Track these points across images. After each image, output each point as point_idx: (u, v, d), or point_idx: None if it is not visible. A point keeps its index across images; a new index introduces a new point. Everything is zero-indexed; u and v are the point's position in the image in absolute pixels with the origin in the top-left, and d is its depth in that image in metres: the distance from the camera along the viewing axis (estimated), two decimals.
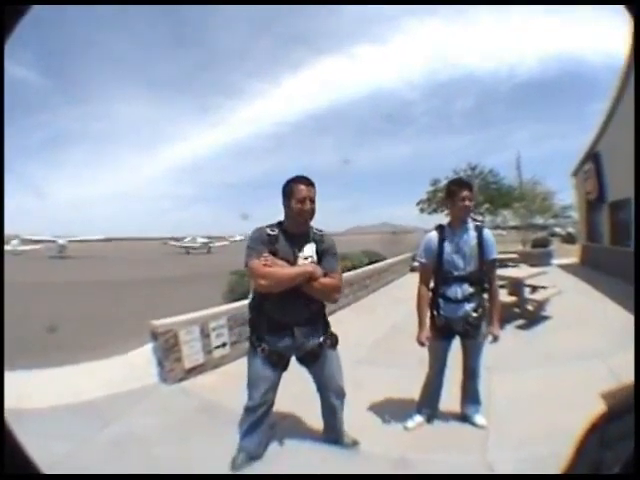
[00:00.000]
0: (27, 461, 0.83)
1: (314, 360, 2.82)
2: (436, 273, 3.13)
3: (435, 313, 3.14)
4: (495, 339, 3.15)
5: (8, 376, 3.59)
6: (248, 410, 2.82)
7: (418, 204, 24.43)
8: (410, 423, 3.34)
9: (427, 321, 3.13)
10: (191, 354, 4.43)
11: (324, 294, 2.70)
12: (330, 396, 2.94)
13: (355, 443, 3.05)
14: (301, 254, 2.65)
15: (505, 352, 4.88)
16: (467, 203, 3.03)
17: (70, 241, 46.11)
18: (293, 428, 3.31)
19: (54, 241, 43.96)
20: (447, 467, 2.76)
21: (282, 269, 2.55)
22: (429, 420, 3.38)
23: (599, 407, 2.86)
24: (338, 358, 2.92)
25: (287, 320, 2.66)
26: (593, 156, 13.30)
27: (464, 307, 3.06)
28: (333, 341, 2.86)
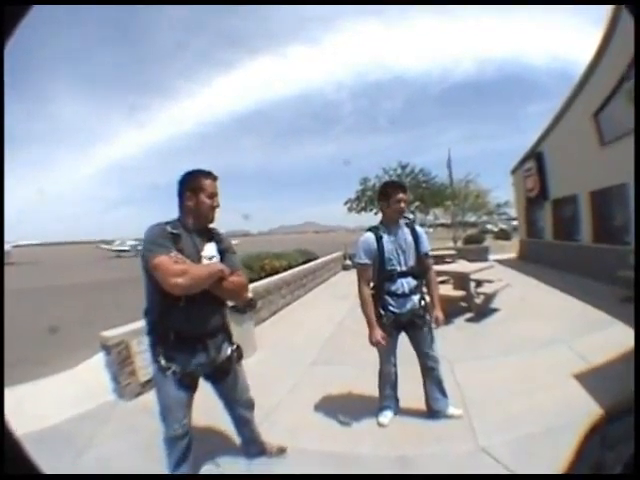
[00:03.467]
0: (27, 461, 0.81)
1: (223, 376, 2.59)
2: (378, 271, 3.18)
3: (382, 311, 3.18)
4: (439, 324, 3.25)
5: None
6: (171, 441, 2.44)
7: (346, 203, 24.80)
8: (383, 419, 3.37)
9: (374, 320, 3.15)
10: (144, 366, 4.04)
11: (235, 293, 2.51)
12: (242, 411, 2.79)
13: (282, 450, 2.97)
14: (204, 254, 2.40)
15: (461, 344, 5.22)
16: (402, 205, 3.16)
17: (15, 246, 44.63)
18: (208, 447, 3.01)
19: None
20: (445, 459, 2.79)
21: (196, 267, 2.25)
22: (396, 412, 3.45)
23: (566, 386, 3.34)
24: (243, 370, 2.75)
25: (199, 331, 2.37)
26: (536, 155, 13.91)
27: (412, 300, 3.18)
28: (240, 353, 2.66)
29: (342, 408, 3.58)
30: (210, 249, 2.45)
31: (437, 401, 3.36)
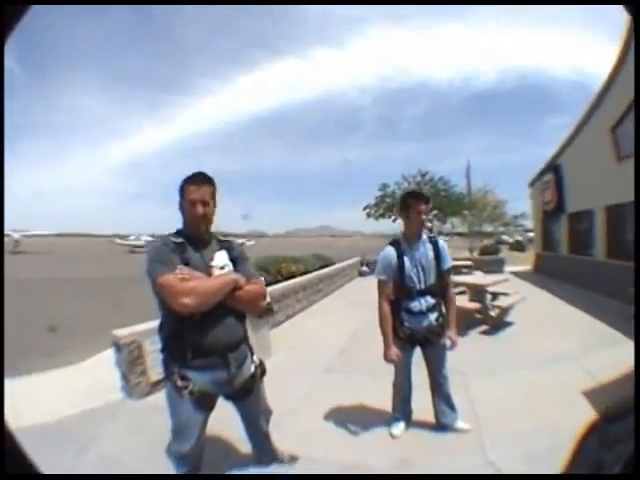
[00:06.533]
0: (27, 461, 0.82)
1: (246, 395, 2.43)
2: (397, 288, 3.14)
3: (399, 326, 3.15)
4: (453, 345, 3.20)
5: None
6: (180, 458, 2.30)
7: (365, 209, 24.64)
8: (395, 430, 3.37)
9: (391, 338, 3.13)
10: (156, 366, 4.01)
11: (251, 303, 2.30)
12: (262, 424, 2.65)
13: (294, 458, 2.91)
14: (214, 263, 2.23)
15: (474, 357, 5.16)
16: (422, 217, 3.08)
17: (24, 236, 44.83)
18: (217, 453, 2.98)
19: (9, 235, 41.99)
20: (450, 470, 2.78)
21: (205, 282, 2.09)
22: (407, 425, 3.44)
23: (575, 404, 3.22)
24: (264, 385, 2.59)
25: (218, 346, 2.18)
26: (554, 168, 13.80)
27: (428, 318, 3.14)
28: (263, 370, 2.51)
29: (354, 417, 3.61)
30: (221, 258, 2.28)
31: (446, 415, 3.38)
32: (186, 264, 2.10)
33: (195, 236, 2.24)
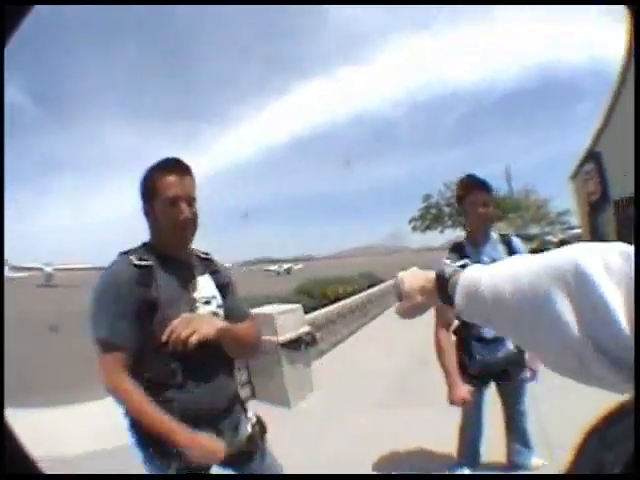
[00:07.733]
0: (27, 461, 0.79)
1: (243, 463, 1.62)
2: None
3: (467, 359, 2.43)
4: (534, 377, 2.45)
5: None
6: None
7: (410, 222, 24.14)
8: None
9: (457, 375, 2.34)
10: None
11: (248, 348, 1.66)
12: None
13: None
14: (197, 295, 1.51)
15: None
16: (481, 210, 2.27)
17: (57, 269, 46.15)
18: None
19: (41, 269, 44.23)
20: None
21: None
22: (474, 468, 2.78)
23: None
24: (271, 451, 1.72)
25: (207, 411, 1.49)
26: (594, 156, 13.34)
27: (505, 345, 2.35)
28: (263, 428, 1.69)
29: (412, 461, 3.08)
30: (206, 285, 1.57)
31: (520, 453, 2.74)
32: (152, 304, 1.39)
33: (174, 253, 1.51)
